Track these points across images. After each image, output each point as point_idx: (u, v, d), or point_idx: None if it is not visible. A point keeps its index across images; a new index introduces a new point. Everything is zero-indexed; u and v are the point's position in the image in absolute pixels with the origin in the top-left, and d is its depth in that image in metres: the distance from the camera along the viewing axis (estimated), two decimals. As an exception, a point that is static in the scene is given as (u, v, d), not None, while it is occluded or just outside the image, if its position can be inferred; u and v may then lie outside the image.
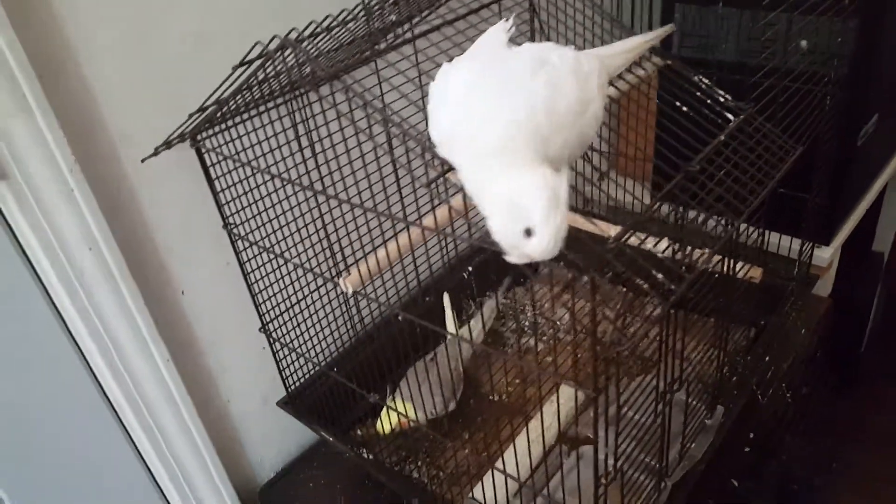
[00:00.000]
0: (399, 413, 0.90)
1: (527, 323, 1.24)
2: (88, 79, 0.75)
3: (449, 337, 1.05)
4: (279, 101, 0.78)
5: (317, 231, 0.88)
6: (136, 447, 0.93)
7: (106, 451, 0.91)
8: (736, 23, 1.10)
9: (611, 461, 0.63)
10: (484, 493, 0.80)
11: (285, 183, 0.81)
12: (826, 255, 1.20)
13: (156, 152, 0.79)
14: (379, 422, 0.95)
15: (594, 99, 0.55)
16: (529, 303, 1.28)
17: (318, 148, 0.80)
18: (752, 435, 1.06)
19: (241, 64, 0.65)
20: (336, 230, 0.85)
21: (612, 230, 0.51)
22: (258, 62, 0.64)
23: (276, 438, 1.11)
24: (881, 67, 1.11)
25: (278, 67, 0.61)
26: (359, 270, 0.69)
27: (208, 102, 0.72)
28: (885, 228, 1.73)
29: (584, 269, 0.48)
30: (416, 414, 0.93)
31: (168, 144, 0.78)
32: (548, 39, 0.92)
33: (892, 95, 1.23)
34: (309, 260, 0.87)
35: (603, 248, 0.48)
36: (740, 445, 1.05)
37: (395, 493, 0.98)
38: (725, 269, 0.72)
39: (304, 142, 0.81)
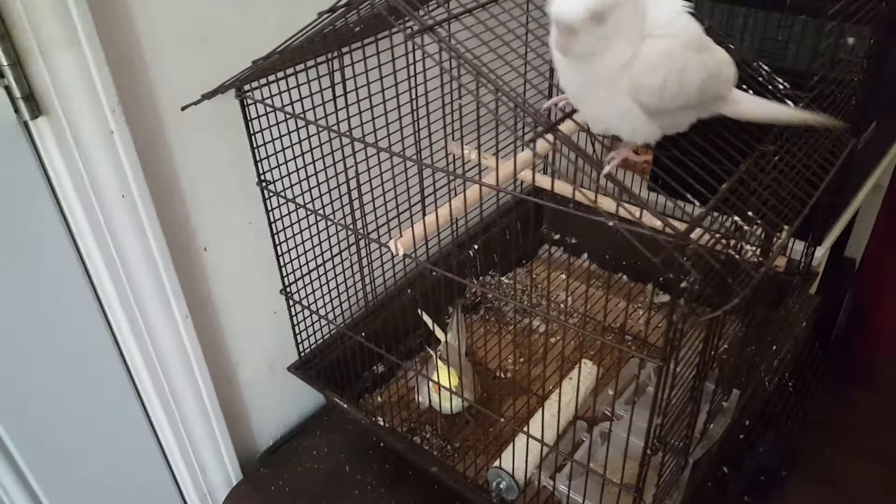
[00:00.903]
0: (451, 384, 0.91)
1: (527, 303, 1.25)
2: (136, 19, 0.73)
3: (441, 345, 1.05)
4: (326, 57, 0.77)
5: (355, 188, 0.87)
6: (143, 402, 0.91)
7: (113, 404, 0.89)
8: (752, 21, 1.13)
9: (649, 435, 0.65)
10: (513, 461, 0.80)
11: (332, 137, 0.80)
12: (819, 254, 1.25)
13: (200, 100, 0.77)
14: (443, 374, 0.93)
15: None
16: (530, 284, 1.29)
17: (364, 105, 0.80)
18: (747, 422, 1.10)
19: (329, 10, 0.63)
20: (373, 188, 0.84)
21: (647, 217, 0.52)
22: (342, 10, 0.62)
23: (278, 405, 1.10)
24: (887, 76, 1.15)
25: (363, 13, 0.60)
26: (413, 232, 0.68)
27: (278, 49, 0.70)
28: (858, 236, 1.81)
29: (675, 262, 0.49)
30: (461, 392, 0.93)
31: (214, 93, 0.76)
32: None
33: (888, 105, 1.28)
34: (345, 217, 0.86)
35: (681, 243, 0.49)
36: (736, 433, 1.08)
37: (400, 462, 0.99)
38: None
39: (351, 98, 0.80)
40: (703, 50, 0.61)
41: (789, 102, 0.65)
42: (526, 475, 0.81)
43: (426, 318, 1.07)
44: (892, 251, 1.82)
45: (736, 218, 0.56)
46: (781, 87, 0.66)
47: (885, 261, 1.84)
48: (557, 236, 1.37)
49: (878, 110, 1.23)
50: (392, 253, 0.70)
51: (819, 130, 0.69)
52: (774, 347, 0.99)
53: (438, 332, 1.07)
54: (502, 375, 1.10)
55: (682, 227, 0.52)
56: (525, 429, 0.81)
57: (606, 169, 0.55)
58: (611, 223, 0.51)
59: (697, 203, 0.57)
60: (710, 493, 1.00)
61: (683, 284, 0.54)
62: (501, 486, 0.81)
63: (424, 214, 0.91)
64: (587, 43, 0.55)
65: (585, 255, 1.35)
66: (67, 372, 0.82)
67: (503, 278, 1.30)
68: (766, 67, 0.67)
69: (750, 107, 0.65)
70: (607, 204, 0.55)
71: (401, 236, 0.69)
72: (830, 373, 1.85)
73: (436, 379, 0.90)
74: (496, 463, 0.83)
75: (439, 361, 0.91)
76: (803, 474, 1.60)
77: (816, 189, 0.71)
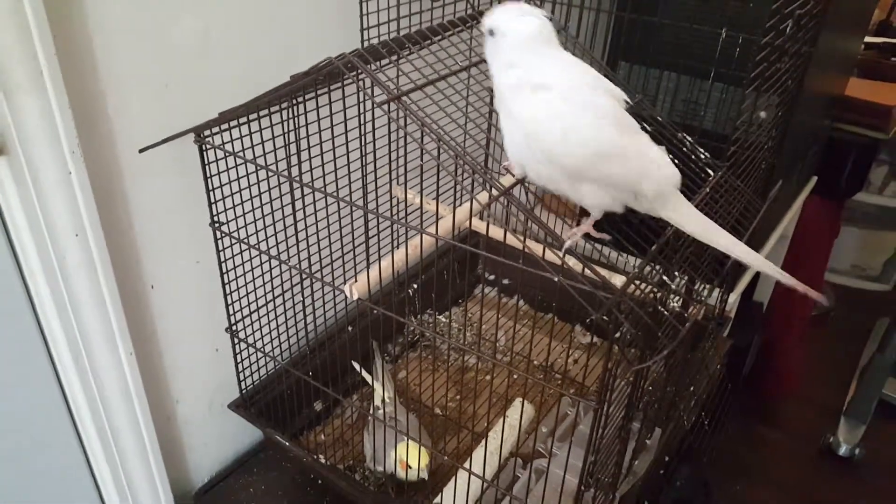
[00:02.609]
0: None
1: (462, 341, 1.30)
2: (100, 63, 0.75)
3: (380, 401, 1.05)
4: (282, 105, 0.81)
5: (303, 229, 0.90)
6: (81, 438, 0.90)
7: (50, 439, 0.88)
8: (673, 85, 1.23)
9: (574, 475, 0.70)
10: (454, 498, 0.84)
11: (283, 181, 0.84)
12: (731, 300, 1.35)
13: (157, 144, 0.79)
14: (411, 458, 0.91)
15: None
16: (465, 322, 1.34)
17: (315, 151, 0.84)
18: (666, 458, 1.17)
19: (306, 74, 0.68)
20: (318, 230, 0.87)
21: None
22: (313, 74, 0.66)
23: (215, 443, 1.10)
24: (788, 143, 1.28)
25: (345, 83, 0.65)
26: (368, 277, 0.72)
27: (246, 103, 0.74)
28: (765, 282, 1.95)
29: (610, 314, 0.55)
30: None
31: (174, 137, 0.78)
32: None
33: (790, 166, 1.42)
34: (290, 258, 0.89)
35: (616, 297, 0.56)
36: (657, 468, 1.16)
37: (338, 500, 1.00)
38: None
39: (304, 144, 0.84)
40: (615, 125, 0.63)
41: (711, 172, 0.73)
42: (466, 511, 0.85)
43: (356, 366, 1.09)
44: (795, 296, 1.97)
45: (664, 277, 0.63)
46: (703, 156, 0.74)
47: (789, 305, 1.98)
48: (492, 277, 1.44)
49: (782, 170, 1.36)
50: (346, 296, 0.73)
51: (735, 192, 0.77)
52: (692, 388, 1.07)
53: (371, 382, 1.08)
54: (439, 412, 1.14)
55: (616, 280, 0.59)
56: (467, 465, 0.85)
57: (567, 244, 0.61)
58: (556, 279, 0.56)
59: (627, 253, 0.63)
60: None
61: (617, 334, 0.60)
62: (442, 521, 0.84)
63: (368, 256, 0.96)
64: (487, 51, 0.65)
65: (517, 296, 1.41)
66: (5, 406, 0.80)
67: (440, 317, 1.35)
68: (689, 138, 0.75)
69: (696, 226, 0.66)
70: (550, 256, 0.61)
71: (356, 281, 0.73)
72: (739, 410, 1.97)
73: (403, 456, 0.90)
74: (437, 499, 0.86)
75: (410, 442, 0.90)
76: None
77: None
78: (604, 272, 0.61)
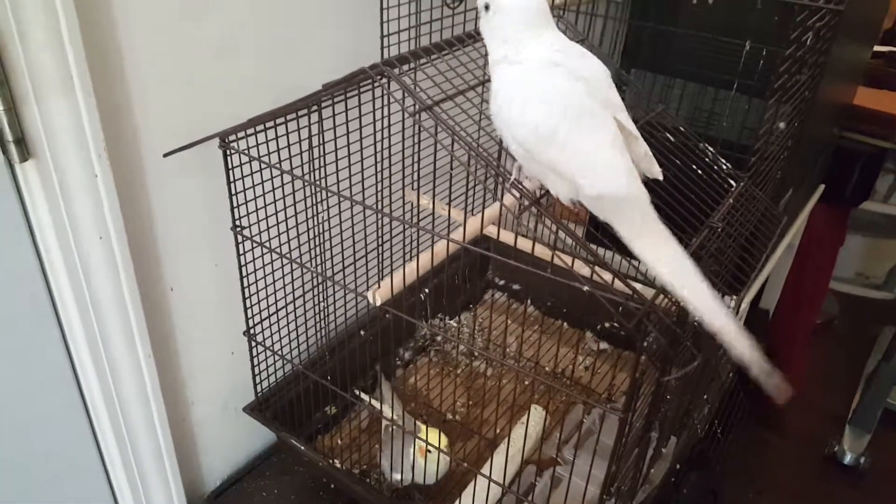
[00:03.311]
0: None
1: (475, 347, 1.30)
2: (127, 66, 0.75)
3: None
4: (311, 109, 0.81)
5: (323, 232, 0.91)
6: (98, 439, 0.90)
7: (67, 441, 0.88)
8: (679, 92, 1.24)
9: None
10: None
11: (305, 185, 0.84)
12: (742, 307, 1.36)
13: (182, 148, 0.79)
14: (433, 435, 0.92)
15: None
16: (477, 328, 1.35)
17: (334, 156, 0.86)
18: (678, 466, 1.17)
19: (335, 84, 0.68)
20: (351, 238, 0.87)
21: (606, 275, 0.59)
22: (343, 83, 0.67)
23: (228, 446, 1.10)
24: (801, 151, 1.29)
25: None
26: (391, 283, 0.72)
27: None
28: (771, 289, 1.95)
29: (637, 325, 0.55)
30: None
31: (199, 142, 0.78)
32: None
33: (800, 175, 1.42)
34: (311, 260, 0.90)
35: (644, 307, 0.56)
36: (669, 477, 1.16)
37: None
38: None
39: (326, 149, 0.85)
40: (563, 111, 0.60)
41: (732, 182, 0.74)
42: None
43: (365, 397, 1.07)
44: (801, 304, 1.98)
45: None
46: (725, 167, 0.75)
47: (795, 313, 1.99)
48: (502, 282, 1.44)
49: (794, 180, 1.36)
50: (369, 302, 0.73)
51: (753, 202, 0.78)
52: (706, 396, 1.07)
53: (380, 406, 1.07)
54: (451, 417, 1.14)
55: (647, 291, 0.59)
56: (487, 471, 0.85)
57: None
58: (585, 288, 0.57)
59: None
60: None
61: (645, 344, 0.60)
62: (460, 527, 0.84)
63: (385, 260, 0.96)
64: (482, 26, 0.65)
65: (527, 301, 1.41)
66: (25, 408, 0.81)
67: (451, 321, 1.35)
68: (710, 149, 0.75)
69: (651, 253, 0.60)
70: (578, 265, 0.62)
71: (378, 287, 0.73)
72: (745, 417, 1.98)
73: (421, 443, 0.90)
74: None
75: (423, 426, 0.91)
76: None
77: (749, 255, 0.80)
78: (627, 283, 0.61)
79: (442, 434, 0.90)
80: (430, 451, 0.89)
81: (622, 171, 0.60)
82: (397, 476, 0.94)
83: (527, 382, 1.21)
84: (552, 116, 0.59)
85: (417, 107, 0.59)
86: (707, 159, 0.74)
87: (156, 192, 0.83)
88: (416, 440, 0.90)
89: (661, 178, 0.66)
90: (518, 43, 0.63)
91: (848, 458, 1.86)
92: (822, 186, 1.77)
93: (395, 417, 1.00)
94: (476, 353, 1.27)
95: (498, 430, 1.06)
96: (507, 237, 0.89)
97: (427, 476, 0.92)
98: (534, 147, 0.60)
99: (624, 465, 0.70)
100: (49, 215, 0.72)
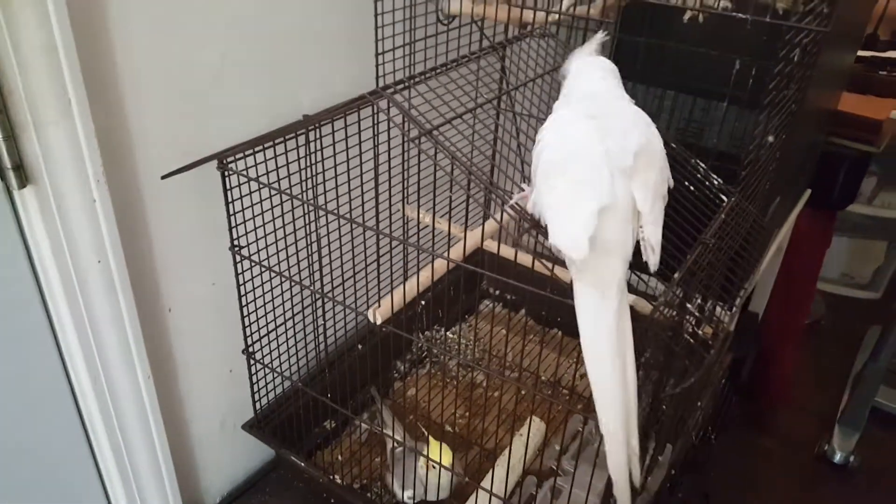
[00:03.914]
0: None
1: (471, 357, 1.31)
2: (125, 93, 0.75)
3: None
4: (309, 129, 0.82)
5: (317, 250, 0.92)
6: (97, 459, 0.90)
7: (65, 459, 0.88)
8: (669, 105, 1.26)
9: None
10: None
11: (300, 204, 0.85)
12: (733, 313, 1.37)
13: (180, 170, 0.79)
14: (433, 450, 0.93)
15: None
16: (474, 338, 1.36)
17: (330, 174, 0.86)
18: (673, 472, 1.19)
19: (335, 109, 0.69)
20: (348, 255, 0.88)
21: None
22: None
23: (227, 463, 1.11)
24: (786, 160, 1.31)
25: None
26: (392, 301, 0.73)
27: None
28: (760, 292, 1.98)
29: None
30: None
31: (197, 164, 0.79)
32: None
33: (787, 183, 1.44)
34: (310, 277, 0.90)
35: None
36: (664, 483, 1.17)
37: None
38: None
39: (320, 168, 0.86)
40: (560, 166, 0.61)
41: (724, 197, 0.75)
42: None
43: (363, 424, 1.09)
44: (790, 306, 2.00)
45: (688, 304, 0.64)
46: (716, 182, 0.76)
47: (784, 315, 2.01)
48: (497, 292, 1.45)
49: (781, 187, 1.38)
50: (370, 321, 0.74)
51: (742, 214, 0.79)
52: (699, 403, 1.09)
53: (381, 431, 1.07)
54: (449, 429, 1.15)
55: (638, 303, 0.60)
56: (487, 484, 0.86)
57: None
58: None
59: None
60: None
61: (643, 359, 0.61)
62: (462, 541, 0.85)
63: (379, 276, 0.97)
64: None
65: (523, 311, 1.42)
66: (24, 430, 0.81)
67: (448, 333, 1.36)
68: (702, 165, 0.76)
69: (585, 329, 0.59)
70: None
71: (378, 306, 0.74)
72: (736, 420, 2.00)
73: (425, 458, 0.91)
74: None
75: (431, 442, 0.92)
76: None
77: (740, 268, 0.82)
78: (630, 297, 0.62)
79: (445, 447, 0.91)
80: (433, 467, 0.90)
81: (581, 235, 0.56)
82: (409, 493, 0.95)
83: (524, 392, 1.22)
84: (549, 163, 0.60)
85: (417, 132, 0.60)
86: (699, 175, 0.75)
87: (154, 214, 0.84)
88: (422, 456, 0.91)
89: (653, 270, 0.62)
90: (570, 95, 0.67)
91: (838, 457, 1.89)
92: (809, 191, 1.80)
93: (396, 438, 1.01)
94: (473, 365, 1.28)
95: (497, 441, 1.07)
96: (504, 251, 0.90)
97: (441, 490, 0.93)
98: (538, 182, 0.61)
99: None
100: (47, 240, 0.72)
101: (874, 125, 1.75)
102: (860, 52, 2.14)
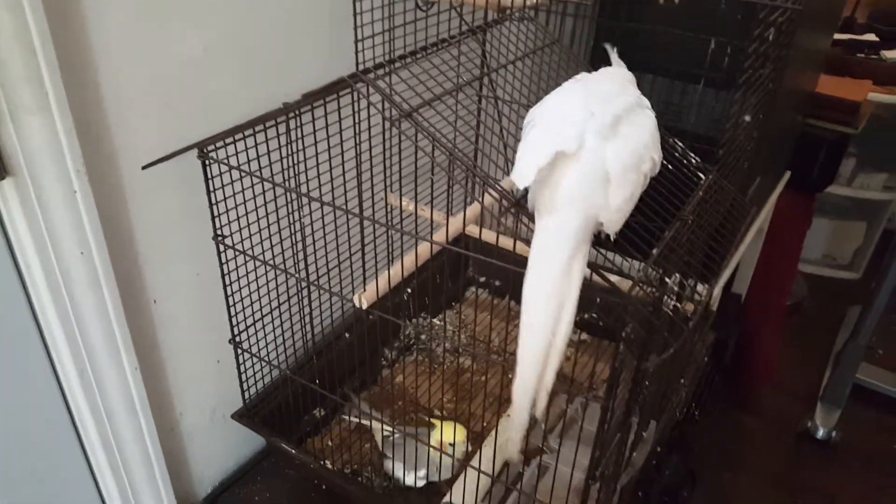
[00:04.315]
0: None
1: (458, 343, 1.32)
2: (103, 83, 0.75)
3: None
4: (289, 116, 0.82)
5: (303, 238, 0.92)
6: (86, 452, 0.91)
7: (55, 454, 0.88)
8: (648, 87, 1.27)
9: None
10: (463, 495, 0.86)
11: (282, 193, 0.85)
12: (715, 293, 1.39)
13: (161, 160, 0.79)
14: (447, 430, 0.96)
15: None
16: (459, 324, 1.37)
17: (313, 162, 0.87)
18: (658, 449, 1.21)
19: (315, 93, 0.69)
20: (333, 242, 0.89)
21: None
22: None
23: (217, 453, 1.11)
24: (766, 141, 1.32)
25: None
26: (377, 286, 0.74)
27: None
28: (743, 274, 2.00)
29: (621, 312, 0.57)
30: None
31: (177, 153, 0.79)
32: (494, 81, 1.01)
33: (767, 163, 1.46)
34: (295, 265, 0.91)
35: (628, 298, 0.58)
36: (650, 460, 1.19)
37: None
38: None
39: (303, 155, 0.86)
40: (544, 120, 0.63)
41: (702, 175, 0.76)
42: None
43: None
44: (772, 288, 2.03)
45: (667, 279, 0.66)
46: (694, 161, 0.77)
47: (766, 296, 2.04)
48: (483, 279, 1.46)
49: (760, 168, 1.40)
50: (355, 305, 0.75)
51: (721, 193, 0.81)
52: (682, 381, 1.10)
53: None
54: (438, 413, 1.16)
55: (623, 283, 0.61)
56: (476, 464, 0.87)
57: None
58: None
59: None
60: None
61: (623, 334, 0.62)
62: (451, 520, 0.86)
63: (364, 262, 0.97)
64: None
65: (507, 297, 1.44)
66: (11, 424, 0.81)
67: (434, 320, 1.37)
68: (680, 144, 0.77)
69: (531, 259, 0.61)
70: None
71: (364, 290, 0.74)
72: (720, 400, 2.02)
73: (438, 437, 0.93)
74: (446, 498, 0.88)
75: (444, 423, 0.95)
76: (701, 495, 1.74)
77: (720, 245, 0.83)
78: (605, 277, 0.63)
79: (459, 426, 0.93)
80: (448, 447, 0.92)
81: (530, 166, 0.58)
82: (421, 473, 0.96)
83: (510, 375, 1.23)
84: (537, 110, 0.63)
85: (397, 114, 0.61)
86: (677, 154, 0.76)
87: (136, 204, 0.83)
88: (431, 437, 0.93)
89: (610, 233, 0.63)
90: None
91: (820, 433, 1.92)
92: (788, 173, 1.82)
93: (388, 427, 1.02)
94: (461, 350, 1.28)
95: (485, 424, 1.08)
96: (487, 236, 0.91)
97: (445, 470, 0.95)
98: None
99: (607, 450, 0.73)
100: (29, 232, 0.72)
101: (852, 106, 1.78)
102: (838, 36, 2.16)
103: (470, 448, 0.95)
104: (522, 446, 1.00)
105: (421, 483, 0.97)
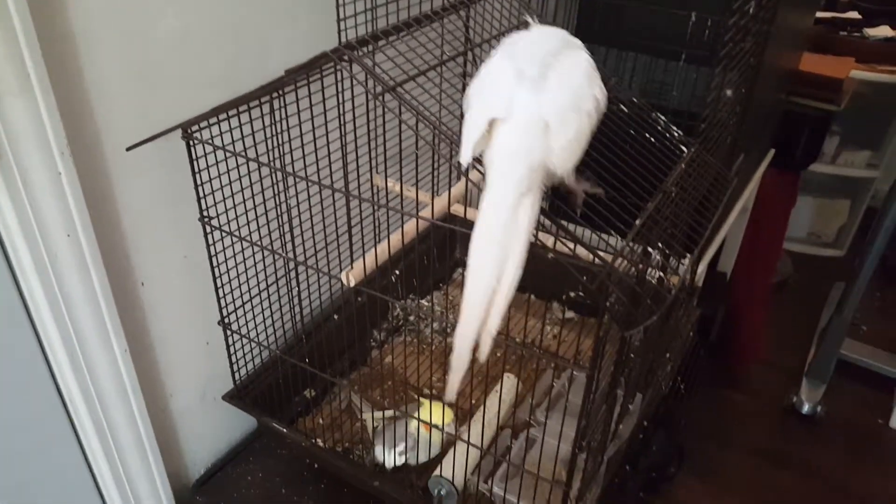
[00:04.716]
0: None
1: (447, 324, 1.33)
2: (85, 65, 0.75)
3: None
4: (273, 96, 0.82)
5: (293, 217, 0.92)
6: (78, 435, 0.91)
7: (47, 438, 0.89)
8: (631, 65, 1.27)
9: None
10: (453, 468, 0.88)
11: (268, 172, 0.85)
12: (700, 270, 1.41)
13: (145, 141, 0.79)
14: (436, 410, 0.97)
15: None
16: (447, 305, 1.38)
17: (299, 142, 0.87)
18: (645, 423, 1.22)
19: (297, 69, 0.69)
20: (321, 222, 0.89)
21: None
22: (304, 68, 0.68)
23: (209, 434, 1.12)
24: (750, 118, 1.33)
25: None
26: (364, 264, 0.74)
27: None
28: (728, 252, 2.02)
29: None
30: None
31: (160, 135, 0.79)
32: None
33: (751, 140, 1.47)
34: (283, 246, 0.91)
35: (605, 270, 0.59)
36: (636, 433, 1.21)
37: (334, 481, 1.03)
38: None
39: (288, 135, 0.86)
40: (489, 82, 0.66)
41: (684, 148, 0.77)
42: (465, 480, 0.88)
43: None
44: (757, 265, 2.05)
45: (650, 249, 0.67)
46: (676, 134, 0.78)
47: (751, 274, 2.06)
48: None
49: (744, 145, 1.41)
50: (343, 284, 0.75)
51: (704, 167, 0.82)
52: (668, 355, 1.12)
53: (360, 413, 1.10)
54: (427, 392, 1.17)
55: (605, 256, 0.62)
56: (465, 437, 0.88)
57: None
58: (550, 255, 0.60)
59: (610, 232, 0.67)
60: (615, 489, 1.11)
61: (607, 303, 0.63)
62: (442, 493, 0.88)
63: (351, 242, 0.98)
64: None
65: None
66: (2, 407, 0.81)
67: (423, 301, 1.38)
68: (662, 118, 0.78)
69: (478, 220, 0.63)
70: (542, 236, 0.65)
71: (351, 268, 0.75)
72: (706, 376, 2.04)
73: (426, 417, 0.94)
74: (436, 472, 0.89)
75: (431, 403, 0.96)
76: (689, 470, 1.77)
77: (704, 218, 0.84)
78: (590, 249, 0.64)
79: (447, 409, 0.94)
80: (436, 427, 0.93)
81: (465, 145, 0.62)
82: (400, 448, 0.97)
83: (498, 354, 1.24)
84: (473, 89, 0.65)
85: (381, 88, 0.61)
86: (659, 128, 0.77)
87: (121, 186, 0.84)
88: (419, 417, 0.94)
89: (563, 178, 0.66)
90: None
91: (806, 408, 1.95)
92: (773, 151, 1.84)
93: (369, 413, 1.03)
94: (449, 330, 1.29)
95: (473, 401, 1.09)
96: (473, 214, 0.91)
97: (433, 448, 0.96)
98: None
99: (593, 420, 0.74)
100: (14, 215, 0.72)
101: (835, 84, 1.79)
102: (821, 14, 2.17)
103: (450, 431, 0.96)
104: (461, 388, 1.02)
105: (400, 461, 0.98)
